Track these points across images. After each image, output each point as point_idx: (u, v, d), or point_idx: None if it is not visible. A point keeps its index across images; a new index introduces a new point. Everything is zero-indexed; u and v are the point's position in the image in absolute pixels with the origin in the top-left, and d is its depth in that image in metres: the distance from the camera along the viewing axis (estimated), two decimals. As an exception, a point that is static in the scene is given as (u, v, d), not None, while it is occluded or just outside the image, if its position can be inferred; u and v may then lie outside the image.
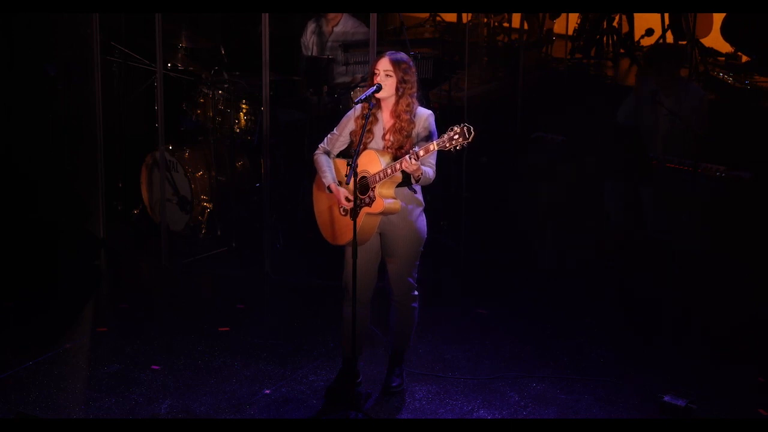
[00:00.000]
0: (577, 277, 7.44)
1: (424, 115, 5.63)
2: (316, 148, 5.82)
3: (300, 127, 8.13)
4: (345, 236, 5.71)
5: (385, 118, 5.68)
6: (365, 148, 5.65)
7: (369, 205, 5.61)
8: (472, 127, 5.31)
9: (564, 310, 7.01)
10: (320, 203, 5.85)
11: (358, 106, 5.68)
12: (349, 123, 5.75)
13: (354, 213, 5.54)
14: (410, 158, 5.40)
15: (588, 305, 7.05)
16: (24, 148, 8.40)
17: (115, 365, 6.25)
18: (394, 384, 6.00)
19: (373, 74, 5.63)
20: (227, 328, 6.74)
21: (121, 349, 6.44)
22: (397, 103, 5.61)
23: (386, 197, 5.58)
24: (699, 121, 7.24)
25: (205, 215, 8.07)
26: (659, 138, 7.32)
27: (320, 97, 8.15)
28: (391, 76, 5.57)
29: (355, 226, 5.52)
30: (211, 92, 8.01)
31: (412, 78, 5.60)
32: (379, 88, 5.60)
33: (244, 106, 8.02)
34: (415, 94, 5.62)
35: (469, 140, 5.31)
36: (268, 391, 6.00)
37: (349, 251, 5.70)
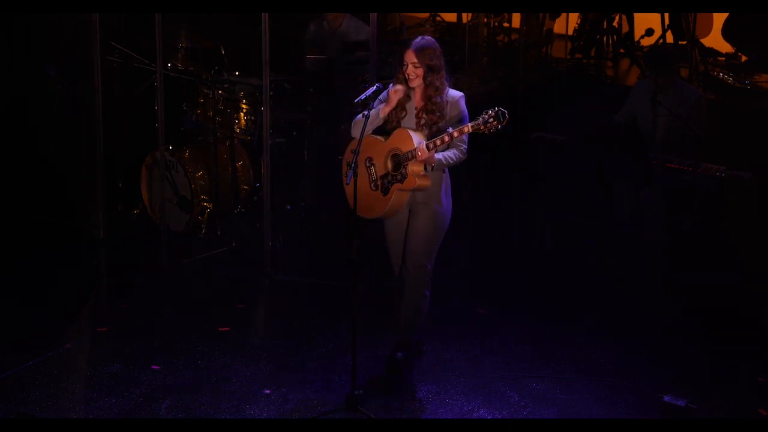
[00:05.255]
0: (577, 276, 7.44)
1: (456, 97, 5.80)
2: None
3: (300, 127, 8.13)
4: (374, 210, 5.86)
5: (416, 99, 5.83)
6: (398, 126, 5.83)
7: (401, 181, 5.75)
8: (506, 111, 5.50)
9: (564, 310, 7.01)
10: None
11: (391, 85, 5.82)
12: (382, 103, 5.86)
13: (355, 207, 5.65)
14: (443, 138, 5.61)
15: (588, 305, 7.05)
16: (24, 148, 8.40)
17: (115, 365, 6.25)
18: (398, 355, 6.03)
19: (401, 66, 5.77)
20: (227, 328, 6.74)
21: (121, 349, 6.44)
22: (426, 87, 5.76)
23: (417, 174, 5.72)
24: (698, 122, 7.24)
25: (205, 215, 8.07)
26: (659, 138, 7.32)
27: (321, 97, 8.15)
28: (418, 66, 5.72)
29: (355, 220, 5.64)
30: (211, 92, 8.00)
31: (439, 61, 5.75)
32: (379, 89, 5.81)
33: (244, 106, 8.02)
34: (445, 76, 5.77)
35: (504, 123, 5.52)
36: (268, 391, 6.00)
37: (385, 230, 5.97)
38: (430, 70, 5.72)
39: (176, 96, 8.23)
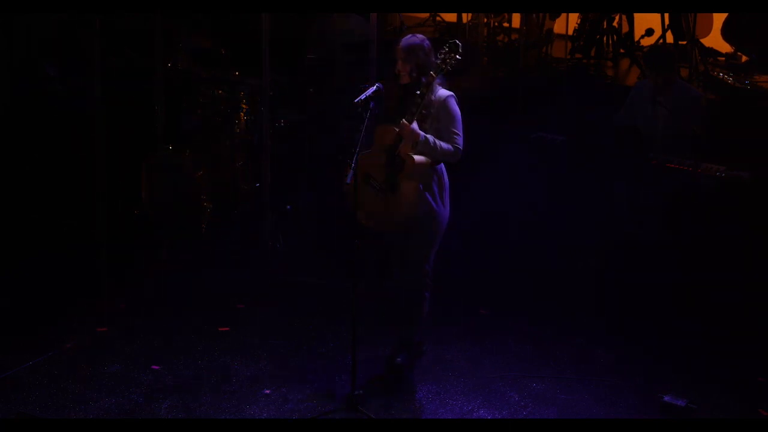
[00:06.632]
0: (577, 277, 7.44)
1: (444, 96, 5.79)
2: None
3: (300, 127, 8.13)
4: (396, 214, 5.82)
5: (406, 99, 5.82)
6: None
7: (402, 169, 5.75)
8: (457, 40, 5.63)
9: (564, 310, 7.01)
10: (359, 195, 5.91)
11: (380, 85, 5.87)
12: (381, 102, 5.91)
13: (354, 194, 5.68)
14: (414, 101, 5.67)
15: (588, 306, 7.05)
16: (24, 148, 8.40)
17: (115, 365, 6.25)
18: (398, 359, 6.05)
19: (395, 61, 5.81)
20: (227, 328, 6.74)
21: (121, 349, 6.44)
22: (415, 84, 5.77)
23: (411, 152, 5.72)
24: (698, 122, 7.24)
25: (206, 215, 8.07)
26: (659, 138, 7.32)
27: (321, 97, 8.15)
28: (405, 62, 5.76)
29: (356, 199, 5.66)
30: (211, 92, 8.00)
31: (427, 58, 5.77)
32: (379, 89, 5.75)
33: (244, 106, 8.02)
34: (435, 76, 5.77)
35: (460, 51, 5.62)
36: (268, 391, 6.00)
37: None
38: (417, 65, 5.74)
39: (176, 96, 8.23)
